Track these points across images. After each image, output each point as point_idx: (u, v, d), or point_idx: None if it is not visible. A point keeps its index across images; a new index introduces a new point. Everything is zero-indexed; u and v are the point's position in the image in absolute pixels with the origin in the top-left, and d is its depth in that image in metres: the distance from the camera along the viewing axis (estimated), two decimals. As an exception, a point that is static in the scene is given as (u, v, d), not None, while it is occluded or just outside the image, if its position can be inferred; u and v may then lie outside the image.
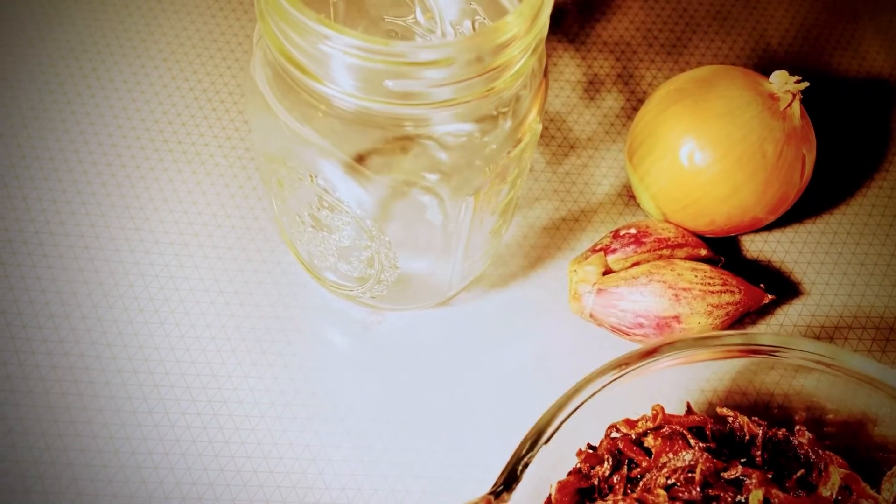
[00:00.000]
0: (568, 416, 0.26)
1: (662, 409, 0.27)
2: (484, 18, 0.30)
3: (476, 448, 0.33)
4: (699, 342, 0.27)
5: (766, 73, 0.38)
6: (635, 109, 0.42)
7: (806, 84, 0.34)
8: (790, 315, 0.37)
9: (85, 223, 0.37)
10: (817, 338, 0.37)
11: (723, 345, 0.27)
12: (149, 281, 0.35)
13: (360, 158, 0.27)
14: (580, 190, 0.40)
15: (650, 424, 0.27)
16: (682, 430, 0.27)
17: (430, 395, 0.34)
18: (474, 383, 0.34)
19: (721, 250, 0.38)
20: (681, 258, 0.35)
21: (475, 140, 0.27)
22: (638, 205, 0.39)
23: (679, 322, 0.33)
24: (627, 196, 0.40)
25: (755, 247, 0.39)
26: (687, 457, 0.26)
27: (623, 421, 0.28)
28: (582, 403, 0.26)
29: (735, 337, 0.28)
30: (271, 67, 0.27)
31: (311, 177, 0.28)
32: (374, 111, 0.25)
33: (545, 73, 0.29)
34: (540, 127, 0.29)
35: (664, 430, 0.28)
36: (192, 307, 0.35)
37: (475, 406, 0.34)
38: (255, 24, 0.34)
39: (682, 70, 0.44)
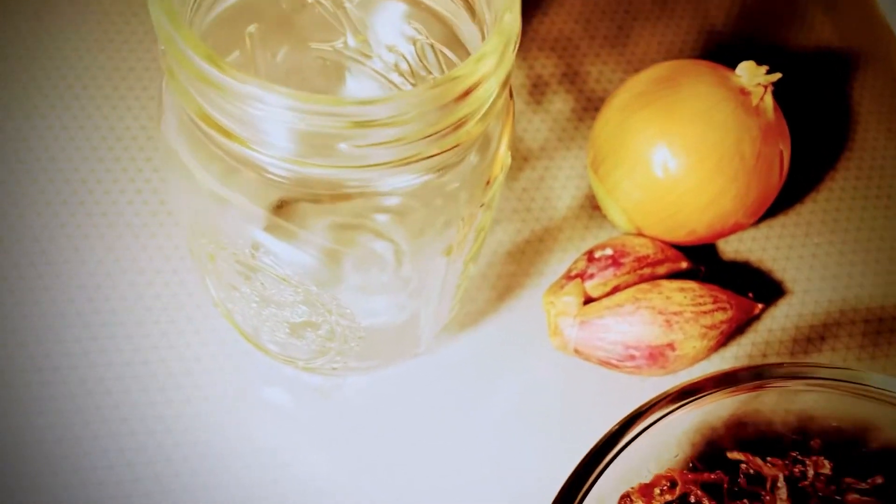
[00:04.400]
0: (589, 489, 0.23)
1: (680, 473, 0.25)
2: (427, 38, 0.26)
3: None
4: (720, 384, 0.24)
5: (716, 57, 0.36)
6: (585, 110, 0.39)
7: (778, 75, 0.31)
8: (777, 318, 0.35)
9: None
10: (807, 339, 0.35)
11: (738, 383, 0.25)
12: (66, 371, 0.30)
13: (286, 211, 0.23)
14: (541, 206, 0.36)
15: (668, 497, 0.24)
16: (696, 490, 0.25)
17: (410, 462, 0.30)
18: (458, 442, 0.31)
19: (698, 257, 0.35)
20: (662, 274, 0.32)
21: (432, 182, 0.23)
22: (604, 216, 0.36)
23: (673, 349, 0.30)
24: (592, 207, 0.36)
25: (731, 247, 0.36)
26: None
27: (637, 490, 0.25)
28: (601, 473, 0.23)
29: (749, 373, 0.25)
30: (186, 127, 0.22)
31: (250, 251, 0.23)
32: (317, 177, 0.21)
33: (511, 95, 0.25)
34: (510, 159, 0.25)
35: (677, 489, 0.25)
36: (122, 397, 0.30)
37: (464, 467, 0.30)
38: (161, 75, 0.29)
39: (630, 63, 0.41)
